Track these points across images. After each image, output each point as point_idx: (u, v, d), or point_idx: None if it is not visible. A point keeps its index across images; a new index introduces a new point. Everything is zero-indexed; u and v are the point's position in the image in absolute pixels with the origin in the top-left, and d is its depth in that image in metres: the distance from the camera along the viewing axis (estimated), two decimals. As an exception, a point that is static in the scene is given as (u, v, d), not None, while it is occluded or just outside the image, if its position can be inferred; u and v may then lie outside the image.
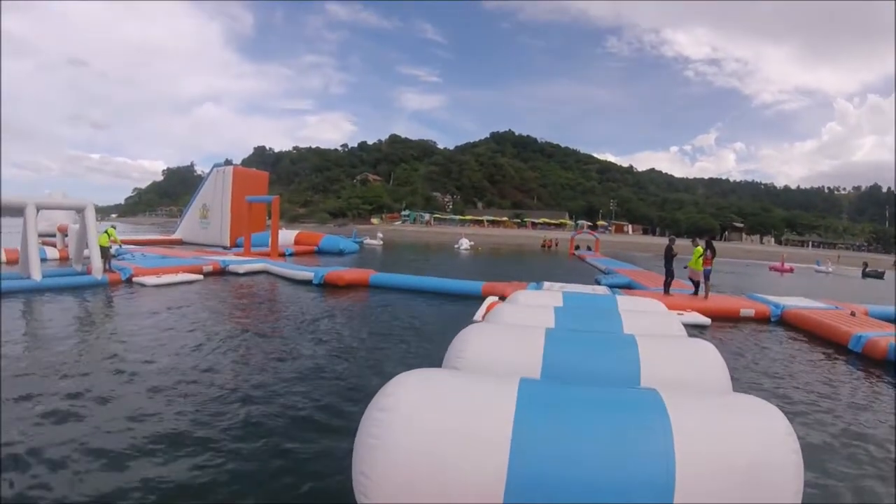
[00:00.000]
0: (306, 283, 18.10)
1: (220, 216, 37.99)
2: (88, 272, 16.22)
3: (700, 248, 17.18)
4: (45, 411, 6.00)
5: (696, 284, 16.71)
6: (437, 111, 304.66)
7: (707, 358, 5.02)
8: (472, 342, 5.06)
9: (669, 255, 16.97)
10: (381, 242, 50.41)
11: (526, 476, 3.08)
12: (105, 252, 18.26)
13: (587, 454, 3.14)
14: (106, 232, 18.78)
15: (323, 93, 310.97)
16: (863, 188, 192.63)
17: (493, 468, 3.11)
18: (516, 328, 5.72)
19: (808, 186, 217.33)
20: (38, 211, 15.60)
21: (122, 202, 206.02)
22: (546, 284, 16.20)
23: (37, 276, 14.70)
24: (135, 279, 16.58)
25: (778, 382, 8.56)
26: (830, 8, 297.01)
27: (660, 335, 5.99)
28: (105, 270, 16.93)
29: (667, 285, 16.85)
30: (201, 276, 18.40)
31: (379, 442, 3.23)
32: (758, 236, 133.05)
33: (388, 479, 3.16)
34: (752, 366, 9.59)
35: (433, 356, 8.49)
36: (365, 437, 3.31)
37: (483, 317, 10.93)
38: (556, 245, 58.19)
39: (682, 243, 20.20)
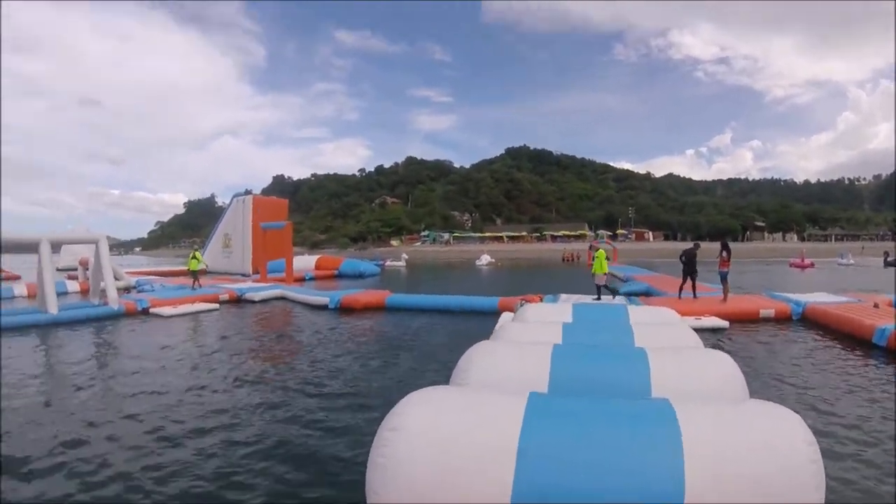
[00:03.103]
0: (322, 307, 18.06)
1: (242, 244, 38.46)
2: (105, 304, 16.34)
3: (603, 252, 17.03)
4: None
5: (599, 289, 16.55)
6: (451, 131, 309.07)
7: (721, 368, 4.87)
8: (478, 361, 5.01)
9: (691, 259, 16.60)
10: (405, 264, 50.62)
11: (531, 488, 3.06)
12: (195, 274, 22.28)
13: (593, 465, 3.09)
14: (194, 257, 22.50)
15: (337, 119, 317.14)
16: (883, 176, 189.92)
17: (499, 481, 3.10)
18: (522, 345, 5.63)
19: (827, 179, 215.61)
20: (52, 246, 15.88)
21: (146, 236, 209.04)
22: (563, 297, 16.07)
23: (53, 309, 14.90)
24: (151, 310, 16.68)
25: (799, 387, 8.15)
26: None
27: (672, 347, 5.82)
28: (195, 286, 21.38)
29: (692, 288, 16.50)
30: (217, 306, 18.43)
31: (389, 461, 3.25)
32: (780, 234, 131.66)
33: (398, 493, 3.18)
34: (771, 370, 9.19)
35: (446, 376, 8.40)
36: (376, 457, 3.34)
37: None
38: (578, 258, 57.80)
39: (683, 246, 19.72)
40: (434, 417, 3.48)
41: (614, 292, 16.40)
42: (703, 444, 3.14)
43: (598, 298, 15.86)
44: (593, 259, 17.31)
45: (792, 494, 2.97)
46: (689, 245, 17.96)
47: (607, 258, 17.52)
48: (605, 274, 16.71)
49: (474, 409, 3.59)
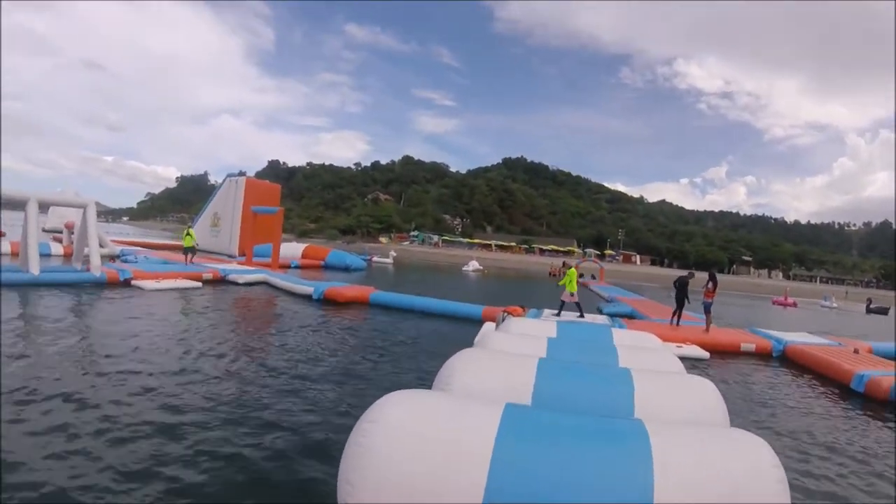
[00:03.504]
0: (306, 297, 17.95)
1: (231, 225, 38.19)
2: (87, 270, 16.16)
3: (574, 271, 17.13)
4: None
5: (579, 306, 16.47)
6: (451, 135, 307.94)
7: (704, 394, 4.89)
8: (461, 368, 5.00)
9: (683, 286, 16.67)
10: (392, 261, 50.51)
11: (502, 495, 3.11)
12: (192, 250, 23.13)
13: (565, 479, 3.14)
14: (188, 234, 23.33)
15: (339, 111, 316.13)
16: (873, 224, 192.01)
17: (472, 484, 3.16)
18: (508, 356, 5.63)
19: (818, 221, 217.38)
20: (40, 206, 15.70)
21: (135, 206, 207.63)
22: (546, 312, 16.02)
23: (35, 270, 14.70)
24: (133, 282, 16.49)
25: (774, 424, 8.23)
26: (841, 41, 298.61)
27: (657, 370, 5.81)
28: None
29: (677, 315, 16.49)
30: (200, 284, 18.28)
31: (364, 450, 3.35)
32: (766, 270, 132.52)
33: (371, 486, 3.26)
34: (747, 404, 9.26)
35: (425, 380, 8.33)
36: (352, 445, 3.44)
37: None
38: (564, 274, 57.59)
39: (669, 273, 19.49)
40: (413, 415, 3.56)
41: (559, 312, 16.25)
42: (673, 465, 3.19)
43: (581, 315, 15.84)
44: (563, 275, 17.26)
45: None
46: (683, 273, 18.02)
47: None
48: (572, 293, 16.66)
49: (453, 413, 3.65)
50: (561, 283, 16.93)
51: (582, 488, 3.09)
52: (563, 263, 18.22)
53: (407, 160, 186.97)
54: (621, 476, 3.15)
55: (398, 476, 3.24)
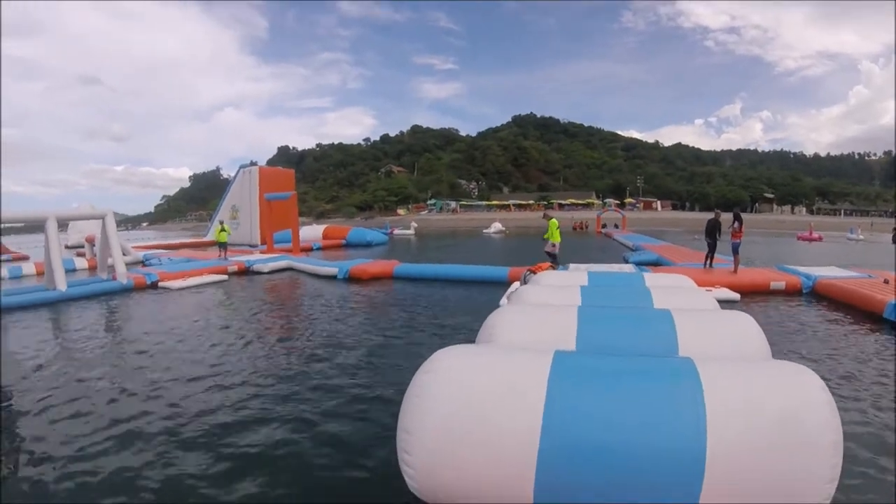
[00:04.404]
0: (331, 277, 18.08)
1: (250, 215, 38.46)
2: (114, 278, 16.34)
3: (555, 221, 16.96)
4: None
5: (553, 257, 16.47)
6: (457, 98, 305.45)
7: (745, 328, 4.91)
8: (502, 323, 5.05)
9: (711, 229, 16.47)
10: (414, 232, 50.70)
11: (558, 437, 3.20)
12: (224, 245, 23.79)
13: (619, 418, 3.22)
14: (223, 229, 24.02)
15: (341, 89, 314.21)
16: (893, 152, 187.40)
17: (528, 426, 3.26)
18: (547, 307, 5.65)
19: (837, 153, 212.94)
20: (59, 224, 15.76)
21: (153, 210, 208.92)
22: (572, 266, 15.97)
23: (62, 286, 14.82)
24: (160, 284, 16.68)
25: (812, 357, 8.19)
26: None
27: (694, 309, 5.81)
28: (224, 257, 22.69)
29: (709, 258, 16.42)
30: (226, 277, 18.49)
31: (421, 400, 3.50)
32: (789, 207, 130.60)
33: (428, 434, 3.39)
34: (783, 341, 9.17)
35: (464, 341, 8.42)
36: (410, 396, 3.59)
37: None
38: (587, 227, 57.29)
39: (692, 217, 19.12)
40: (466, 366, 3.70)
41: (555, 262, 16.15)
42: (725, 398, 3.24)
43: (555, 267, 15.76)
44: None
45: (809, 435, 3.08)
46: (710, 215, 17.79)
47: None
48: (555, 244, 16.63)
49: (504, 361, 3.76)
50: (546, 236, 16.83)
51: (636, 426, 3.16)
52: (544, 215, 17.96)
53: (415, 129, 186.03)
54: (674, 412, 3.21)
55: (455, 422, 3.36)
